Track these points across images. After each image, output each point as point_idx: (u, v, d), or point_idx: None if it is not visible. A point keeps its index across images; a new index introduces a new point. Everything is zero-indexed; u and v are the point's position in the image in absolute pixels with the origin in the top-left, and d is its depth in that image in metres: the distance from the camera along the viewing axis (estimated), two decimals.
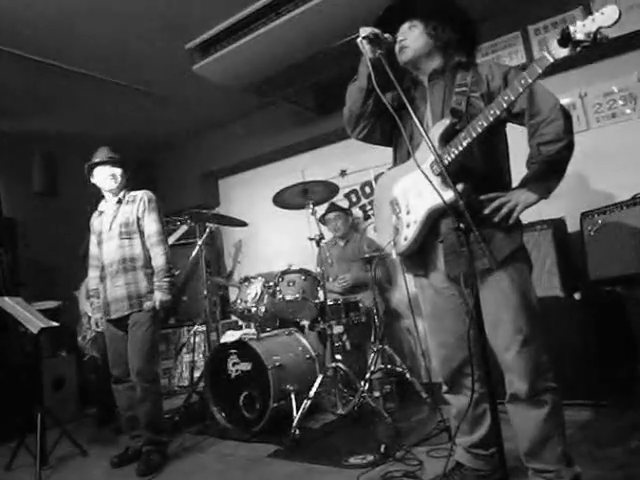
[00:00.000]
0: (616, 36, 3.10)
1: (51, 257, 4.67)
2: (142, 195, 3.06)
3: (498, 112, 1.57)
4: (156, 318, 2.93)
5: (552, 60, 1.44)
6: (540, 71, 1.47)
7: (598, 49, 3.18)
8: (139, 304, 2.89)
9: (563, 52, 1.41)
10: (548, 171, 1.73)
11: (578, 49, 1.39)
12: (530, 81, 1.49)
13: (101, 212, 3.10)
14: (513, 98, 1.54)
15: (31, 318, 3.03)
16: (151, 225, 2.99)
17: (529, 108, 1.71)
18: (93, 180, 3.07)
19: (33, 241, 4.63)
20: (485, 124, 1.60)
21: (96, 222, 3.11)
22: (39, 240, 4.66)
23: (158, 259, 2.94)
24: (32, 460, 2.85)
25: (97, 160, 3.03)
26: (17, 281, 4.29)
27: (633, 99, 3.33)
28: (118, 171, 3.04)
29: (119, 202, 3.05)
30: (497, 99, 1.58)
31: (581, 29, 1.36)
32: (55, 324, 3.10)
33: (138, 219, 2.99)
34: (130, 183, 3.15)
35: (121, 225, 2.97)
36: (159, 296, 2.88)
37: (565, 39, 1.39)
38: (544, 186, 1.73)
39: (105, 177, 3.01)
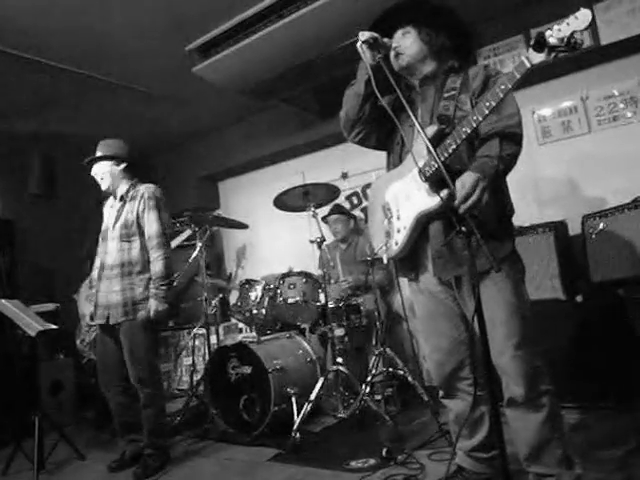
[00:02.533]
0: (618, 40, 3.12)
1: (49, 259, 4.64)
2: (143, 191, 2.86)
3: (481, 118, 1.58)
4: (150, 325, 2.78)
5: (528, 65, 1.45)
6: (519, 76, 1.48)
7: (599, 53, 3.20)
8: (134, 311, 2.75)
9: (539, 57, 1.42)
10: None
11: (553, 54, 1.40)
12: (510, 86, 1.51)
13: (111, 205, 2.98)
14: (494, 104, 1.55)
15: (29, 321, 2.99)
16: (151, 226, 2.79)
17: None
18: None
19: (31, 243, 4.61)
20: (469, 130, 1.61)
21: (105, 214, 2.98)
22: (37, 242, 4.64)
23: (156, 264, 2.76)
24: (29, 464, 2.83)
25: (86, 160, 2.90)
26: (15, 283, 4.26)
27: (634, 102, 3.34)
28: (105, 169, 2.87)
29: (122, 199, 2.90)
30: (479, 105, 1.59)
31: (556, 33, 1.37)
32: (53, 327, 3.05)
33: (138, 218, 2.81)
34: (131, 174, 2.95)
35: (122, 227, 2.83)
36: (154, 305, 2.71)
37: (540, 44, 1.40)
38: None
39: (97, 178, 2.90)
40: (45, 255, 4.64)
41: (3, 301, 3.09)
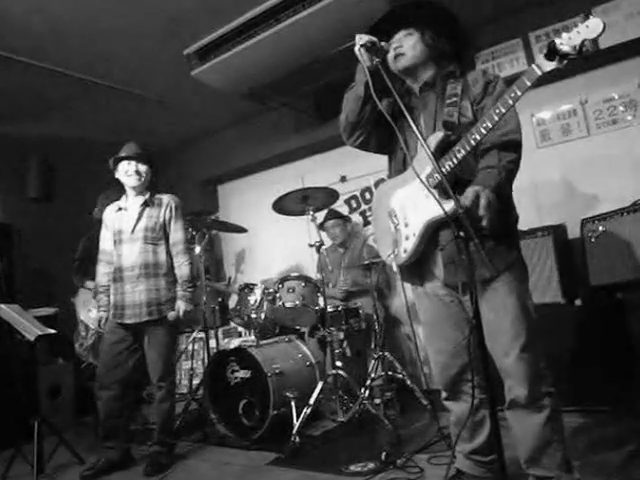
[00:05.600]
0: (616, 43, 3.13)
1: (48, 263, 4.64)
2: (169, 200, 3.02)
3: (490, 125, 1.59)
4: (176, 325, 2.96)
5: (540, 73, 1.45)
6: (529, 84, 1.48)
7: (598, 56, 3.20)
8: (158, 312, 2.86)
9: (550, 65, 1.43)
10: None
11: (565, 62, 1.41)
12: (520, 94, 1.51)
13: (120, 208, 3.00)
14: (504, 110, 1.55)
15: (28, 325, 2.98)
16: (177, 233, 2.98)
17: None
18: (117, 175, 2.99)
19: (29, 247, 4.60)
20: (479, 137, 1.62)
21: (112, 217, 3.01)
22: (35, 246, 4.63)
23: (183, 268, 2.93)
24: (29, 469, 2.82)
25: (123, 154, 2.95)
26: (13, 288, 4.26)
27: (633, 106, 3.34)
28: (143, 168, 2.97)
29: (145, 204, 2.97)
30: (489, 112, 1.59)
31: (567, 41, 1.38)
32: (52, 331, 3.05)
33: (164, 225, 2.96)
34: (155, 184, 3.08)
35: (147, 229, 2.91)
36: (183, 306, 2.88)
37: (551, 52, 1.41)
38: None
39: (130, 173, 2.93)
40: (44, 259, 4.63)
41: (2, 306, 3.08)
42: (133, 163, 2.94)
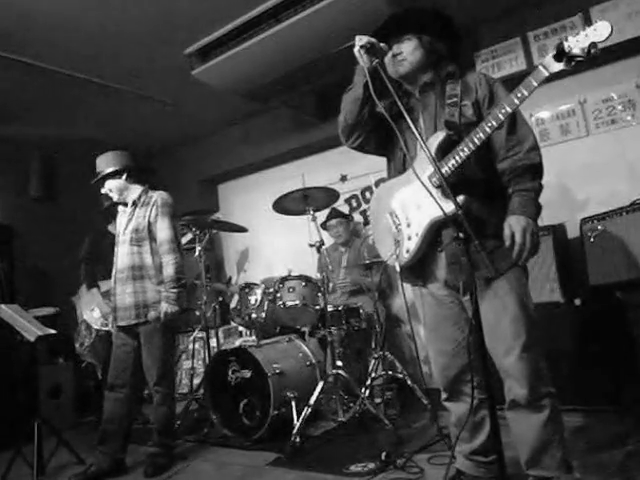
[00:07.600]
0: (615, 43, 3.13)
1: (48, 263, 4.64)
2: (156, 198, 2.94)
3: (496, 124, 1.60)
4: (167, 326, 2.86)
5: (547, 74, 1.47)
6: (536, 84, 1.50)
7: (597, 56, 3.20)
8: (145, 314, 2.82)
9: (558, 66, 1.45)
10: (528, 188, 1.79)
11: (572, 63, 1.44)
12: (527, 94, 1.53)
13: (123, 211, 3.02)
14: (510, 110, 1.57)
15: (28, 326, 2.98)
16: (162, 232, 2.88)
17: (508, 126, 1.78)
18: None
19: (30, 247, 4.60)
20: (483, 136, 1.63)
21: (117, 221, 3.04)
22: (36, 246, 4.63)
23: (168, 268, 2.84)
24: (29, 470, 2.82)
25: (92, 182, 2.98)
26: (14, 288, 4.25)
27: (632, 105, 3.35)
28: (112, 184, 2.94)
29: (134, 204, 2.96)
30: (494, 111, 1.60)
31: (575, 44, 1.40)
32: (52, 331, 3.05)
33: (149, 224, 2.89)
34: (139, 179, 3.02)
35: (132, 231, 2.89)
36: (164, 307, 2.79)
37: (560, 54, 1.43)
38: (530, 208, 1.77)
39: (107, 192, 2.96)
40: (44, 259, 4.63)
41: (2, 306, 3.08)
42: (104, 185, 2.97)
